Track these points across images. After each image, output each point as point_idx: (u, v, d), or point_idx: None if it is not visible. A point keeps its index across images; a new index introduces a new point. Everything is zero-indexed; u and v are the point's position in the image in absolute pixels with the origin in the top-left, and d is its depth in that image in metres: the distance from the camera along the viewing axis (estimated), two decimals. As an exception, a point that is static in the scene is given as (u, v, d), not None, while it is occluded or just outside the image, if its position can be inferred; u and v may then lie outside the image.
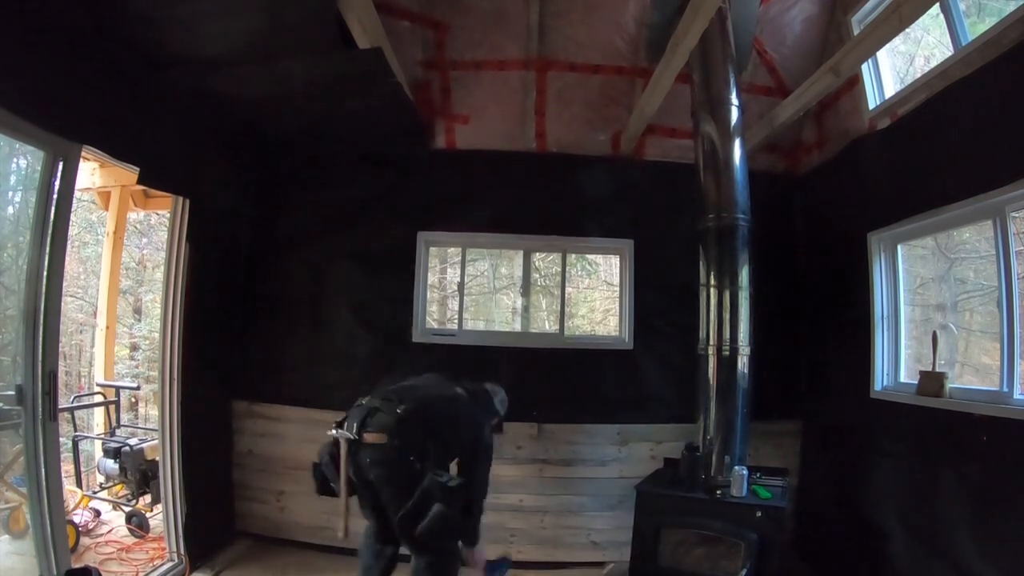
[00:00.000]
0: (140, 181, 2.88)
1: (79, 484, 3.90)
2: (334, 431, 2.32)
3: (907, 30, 2.55)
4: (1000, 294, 2.41)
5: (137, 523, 3.61)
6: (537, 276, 4.99)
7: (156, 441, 3.52)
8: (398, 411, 2.28)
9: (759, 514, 2.69)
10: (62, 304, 2.50)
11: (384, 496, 2.31)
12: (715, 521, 2.78)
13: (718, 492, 2.83)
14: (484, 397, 2.74)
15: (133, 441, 3.78)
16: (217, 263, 3.57)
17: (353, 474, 2.31)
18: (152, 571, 3.10)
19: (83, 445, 4.22)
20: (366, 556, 2.49)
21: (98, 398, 4.36)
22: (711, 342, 3.04)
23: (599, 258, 6.05)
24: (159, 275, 4.70)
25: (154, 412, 5.54)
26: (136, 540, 3.53)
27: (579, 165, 3.85)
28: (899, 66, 3.27)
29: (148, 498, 3.67)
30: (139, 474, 3.64)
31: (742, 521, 2.70)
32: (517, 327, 3.99)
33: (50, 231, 2.37)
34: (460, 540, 2.53)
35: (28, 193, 2.67)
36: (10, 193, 3.03)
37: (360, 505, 2.42)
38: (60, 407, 2.66)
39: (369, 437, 2.25)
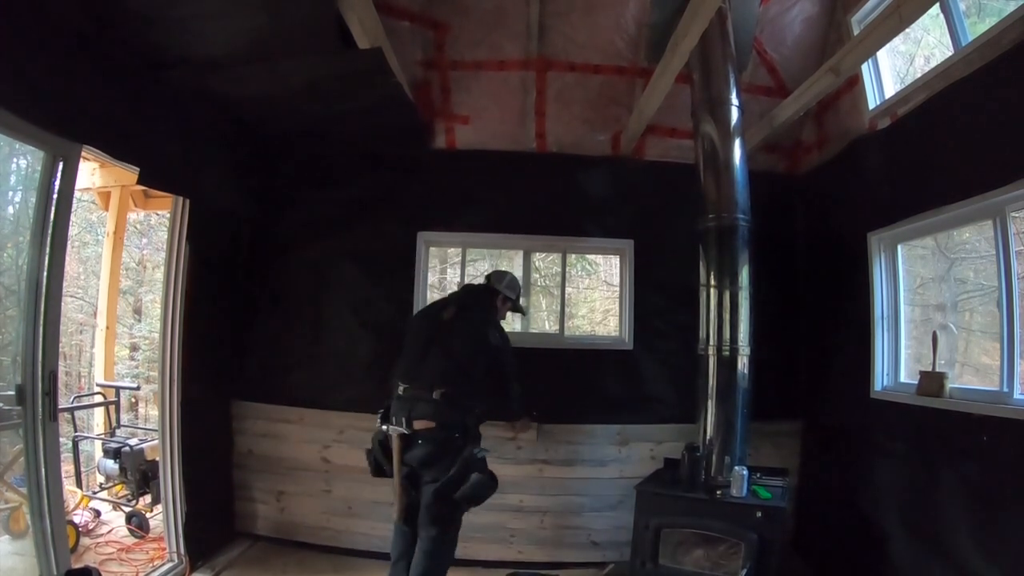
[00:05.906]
0: (140, 181, 2.88)
1: (79, 484, 3.91)
2: (384, 427, 2.67)
3: (907, 30, 2.55)
4: (1000, 294, 2.41)
5: (137, 523, 3.61)
6: (537, 276, 4.99)
7: (156, 441, 3.52)
8: (435, 397, 2.59)
9: (759, 514, 2.68)
10: (62, 304, 2.50)
11: (428, 472, 2.62)
12: (715, 521, 2.77)
13: (718, 492, 2.82)
14: (485, 297, 3.04)
15: (133, 441, 3.79)
16: (217, 263, 3.57)
17: (402, 458, 2.64)
18: (152, 571, 3.11)
19: (83, 445, 4.22)
20: (399, 543, 2.74)
21: (98, 398, 4.37)
22: (711, 342, 3.04)
23: (599, 258, 6.06)
24: (159, 275, 4.72)
25: (154, 412, 5.54)
26: (136, 540, 3.53)
27: (579, 165, 3.85)
28: (899, 66, 3.27)
29: (148, 498, 3.67)
30: (139, 474, 3.65)
31: (742, 521, 2.70)
32: (517, 327, 3.97)
33: (50, 231, 2.37)
34: (511, 416, 3.24)
35: (28, 193, 2.67)
36: (10, 193, 3.03)
37: (400, 486, 2.68)
38: (60, 407, 2.68)
39: (418, 425, 2.59)
